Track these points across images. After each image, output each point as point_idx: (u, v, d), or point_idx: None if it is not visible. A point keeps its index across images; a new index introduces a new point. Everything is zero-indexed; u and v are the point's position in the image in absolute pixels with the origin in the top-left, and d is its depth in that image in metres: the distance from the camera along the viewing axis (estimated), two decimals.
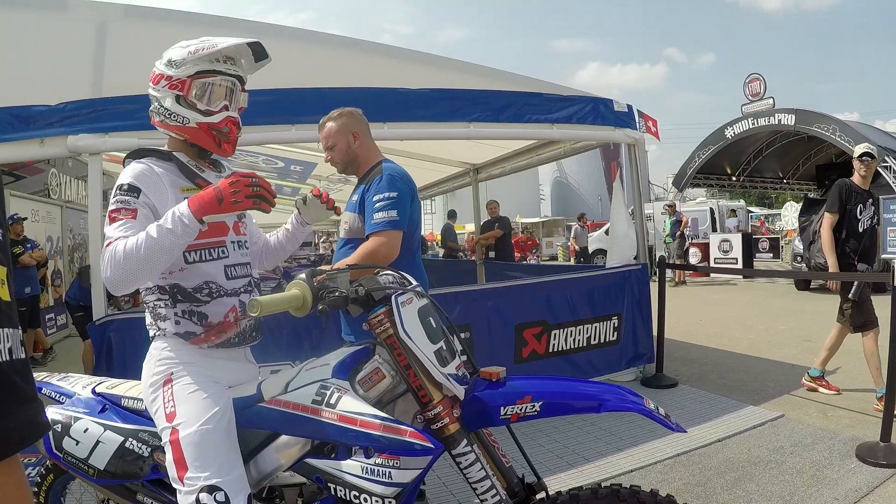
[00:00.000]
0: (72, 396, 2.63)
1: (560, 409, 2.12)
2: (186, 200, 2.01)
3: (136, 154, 2.34)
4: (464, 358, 2.27)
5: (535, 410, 2.07)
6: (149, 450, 2.31)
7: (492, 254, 11.08)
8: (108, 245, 2.02)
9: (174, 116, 2.33)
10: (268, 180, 2.11)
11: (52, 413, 2.53)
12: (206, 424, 2.10)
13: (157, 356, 2.28)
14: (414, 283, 2.33)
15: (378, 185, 3.31)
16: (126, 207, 2.12)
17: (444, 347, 2.16)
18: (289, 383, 2.19)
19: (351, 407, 2.04)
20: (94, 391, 2.60)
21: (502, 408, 2.08)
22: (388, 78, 5.36)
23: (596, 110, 6.19)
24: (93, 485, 2.50)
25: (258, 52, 2.40)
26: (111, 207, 2.14)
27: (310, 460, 2.13)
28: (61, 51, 4.73)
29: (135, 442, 2.34)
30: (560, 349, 6.01)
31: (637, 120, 6.54)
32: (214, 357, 2.33)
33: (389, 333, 2.09)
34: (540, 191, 72.20)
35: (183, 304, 2.28)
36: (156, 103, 2.36)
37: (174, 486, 2.09)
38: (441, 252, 16.31)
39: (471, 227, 12.09)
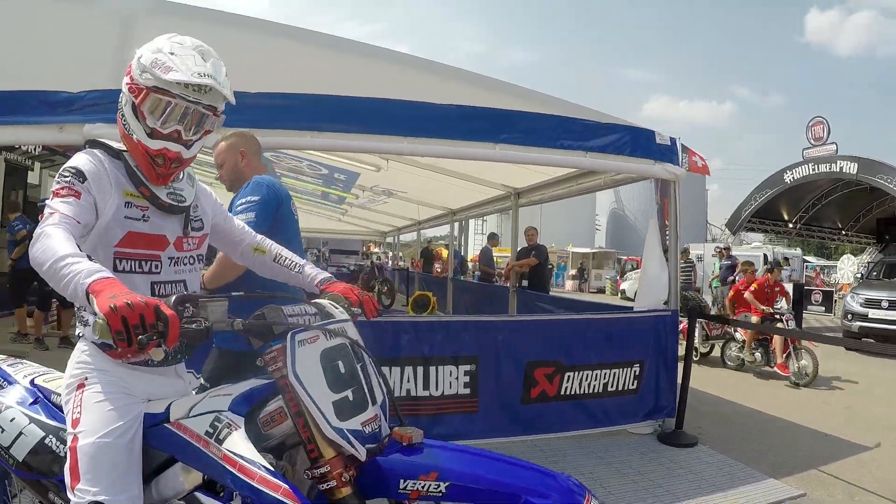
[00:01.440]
0: (13, 384, 2.62)
1: (469, 494, 1.78)
2: (100, 277, 1.66)
3: (91, 144, 2.19)
4: (386, 411, 1.98)
5: (440, 491, 1.76)
6: (65, 450, 2.17)
7: (525, 282, 10.71)
8: (49, 216, 1.88)
9: (125, 122, 2.14)
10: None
11: None
12: (105, 438, 1.97)
13: (77, 358, 2.17)
14: (341, 317, 2.05)
15: (243, 191, 3.35)
16: (71, 188, 1.98)
17: (352, 398, 1.88)
18: (193, 407, 1.99)
19: (235, 447, 1.81)
20: (32, 382, 2.59)
21: (402, 480, 1.78)
22: (411, 90, 5.06)
23: (635, 141, 5.79)
24: (12, 474, 2.49)
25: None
26: (55, 186, 2.00)
27: (198, 494, 1.95)
28: (87, 40, 4.63)
29: (54, 440, 2.31)
30: (573, 393, 5.60)
31: (680, 155, 6.13)
32: (135, 369, 2.15)
33: (283, 374, 1.83)
34: (596, 221, 71.42)
35: None
36: (123, 98, 2.16)
37: (67, 494, 1.98)
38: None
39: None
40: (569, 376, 5.57)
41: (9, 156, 11.32)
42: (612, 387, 5.78)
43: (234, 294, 2.07)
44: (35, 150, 10.68)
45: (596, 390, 5.70)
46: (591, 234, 65.08)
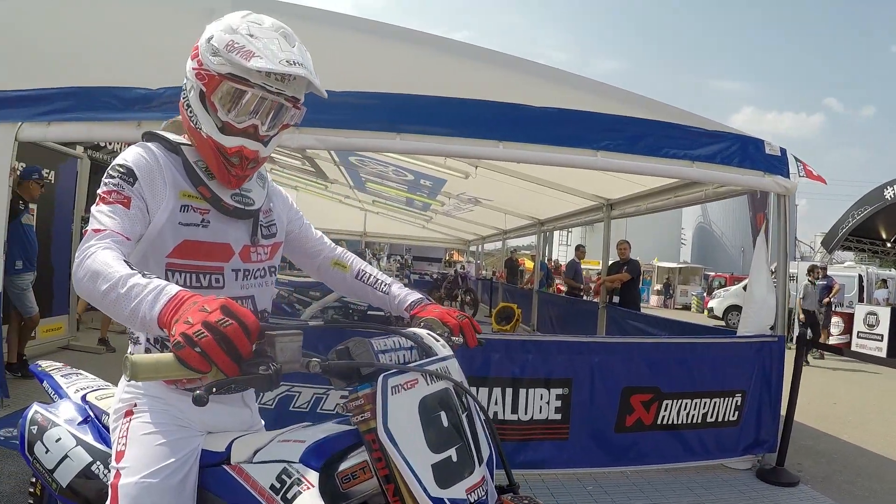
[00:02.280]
0: (64, 398, 2.41)
1: None
2: (163, 306, 1.38)
3: (147, 136, 1.89)
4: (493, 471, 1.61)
5: None
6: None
7: (616, 298, 10.30)
8: (94, 233, 1.59)
9: (191, 113, 1.83)
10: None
11: (34, 412, 2.33)
12: (151, 478, 1.69)
13: (126, 381, 1.86)
14: (444, 352, 1.67)
15: None
16: (119, 192, 1.69)
17: (456, 458, 1.49)
18: (258, 451, 1.67)
19: None
20: (83, 398, 2.35)
21: None
22: (505, 91, 4.78)
23: (744, 151, 5.35)
24: (57, 499, 2.23)
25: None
26: (102, 189, 1.71)
27: None
28: (166, 36, 4.51)
29: (101, 467, 2.06)
30: (670, 422, 5.18)
31: (796, 164, 5.64)
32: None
33: (370, 427, 1.44)
34: (682, 234, 70.03)
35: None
36: (188, 84, 1.85)
37: None
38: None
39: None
40: (667, 404, 5.15)
41: (94, 154, 11.43)
42: (711, 417, 5.33)
43: (311, 323, 1.73)
44: (120, 148, 10.76)
45: (695, 420, 5.27)
46: (676, 248, 63.76)
